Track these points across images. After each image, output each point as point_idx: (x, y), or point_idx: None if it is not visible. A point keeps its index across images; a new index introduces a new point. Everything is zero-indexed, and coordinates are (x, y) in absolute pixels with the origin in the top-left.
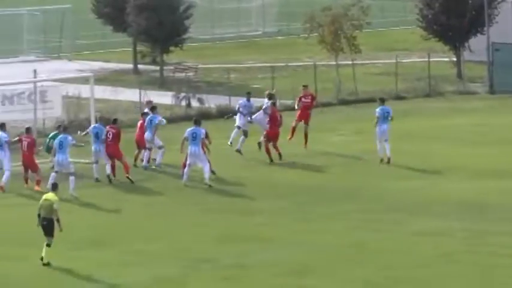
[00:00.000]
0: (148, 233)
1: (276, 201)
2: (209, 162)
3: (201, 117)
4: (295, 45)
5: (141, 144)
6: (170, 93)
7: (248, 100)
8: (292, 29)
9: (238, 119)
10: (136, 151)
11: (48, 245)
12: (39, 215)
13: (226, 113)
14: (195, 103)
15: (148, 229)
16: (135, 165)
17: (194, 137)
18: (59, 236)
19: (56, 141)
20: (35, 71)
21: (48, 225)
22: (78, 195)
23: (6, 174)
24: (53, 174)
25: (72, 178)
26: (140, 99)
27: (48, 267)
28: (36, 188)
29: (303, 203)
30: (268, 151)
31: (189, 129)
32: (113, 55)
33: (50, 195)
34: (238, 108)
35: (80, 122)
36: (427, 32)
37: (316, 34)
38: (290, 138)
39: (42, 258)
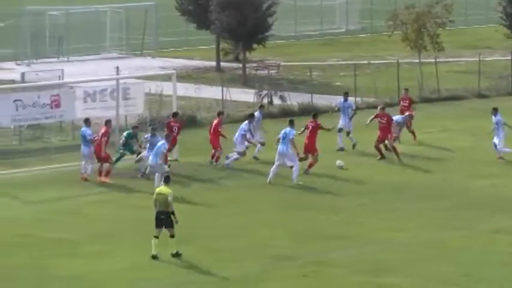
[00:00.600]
0: (229, 230)
1: (356, 198)
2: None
3: (282, 114)
4: (378, 43)
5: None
6: (252, 91)
7: (346, 100)
8: (376, 26)
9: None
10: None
11: (172, 236)
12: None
13: (309, 111)
14: (277, 100)
15: (229, 226)
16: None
17: (284, 137)
18: (142, 233)
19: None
20: (117, 68)
21: (166, 219)
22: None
23: (91, 166)
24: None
25: (157, 175)
26: (222, 96)
27: (174, 258)
28: (104, 179)
29: (383, 201)
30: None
31: (284, 130)
32: (195, 52)
33: (164, 189)
34: (338, 108)
35: (162, 120)
36: (510, 30)
37: (399, 32)
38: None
39: (156, 254)
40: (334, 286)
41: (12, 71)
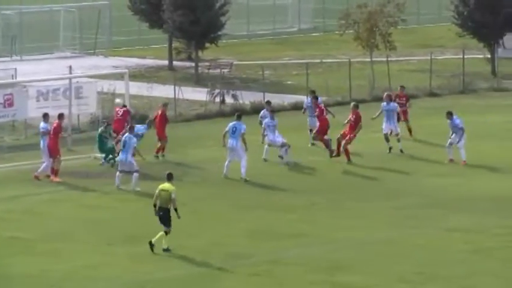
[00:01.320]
0: (182, 229)
1: (310, 197)
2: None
3: (235, 113)
4: (330, 42)
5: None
6: (205, 90)
7: (315, 98)
8: (328, 25)
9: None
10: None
11: (166, 233)
12: (155, 205)
13: (261, 110)
14: (229, 99)
15: (183, 225)
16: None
17: (234, 131)
18: (95, 232)
19: (123, 139)
20: (70, 67)
21: (164, 215)
22: (140, 189)
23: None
24: (118, 174)
25: (135, 175)
26: (175, 95)
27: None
28: (54, 178)
29: (337, 200)
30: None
31: (231, 123)
32: (148, 52)
33: (167, 186)
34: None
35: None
36: (462, 29)
37: (351, 31)
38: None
39: (165, 249)
40: (288, 284)
41: None
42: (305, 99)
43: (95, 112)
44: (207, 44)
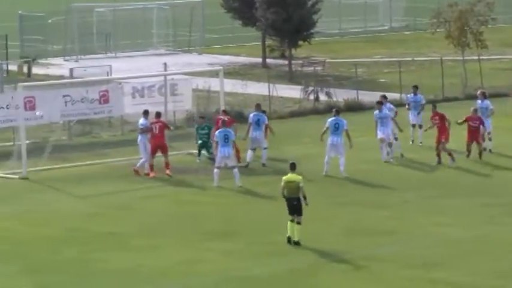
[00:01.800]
0: (276, 225)
1: (402, 194)
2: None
3: (329, 111)
4: (422, 40)
5: None
6: (298, 87)
7: (415, 94)
8: (419, 24)
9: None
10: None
11: (298, 223)
12: (284, 196)
13: (354, 107)
14: (323, 97)
15: (279, 221)
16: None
17: (336, 128)
18: (190, 227)
19: (220, 135)
20: (165, 64)
21: (297, 204)
22: (242, 184)
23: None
24: (216, 171)
25: (235, 171)
26: (269, 92)
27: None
28: (168, 172)
29: (431, 197)
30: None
31: (330, 119)
32: (242, 49)
33: (293, 176)
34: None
35: (209, 115)
36: None
37: (442, 29)
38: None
39: (289, 239)
40: (384, 280)
41: (60, 67)
42: (408, 95)
43: (190, 109)
44: (300, 42)
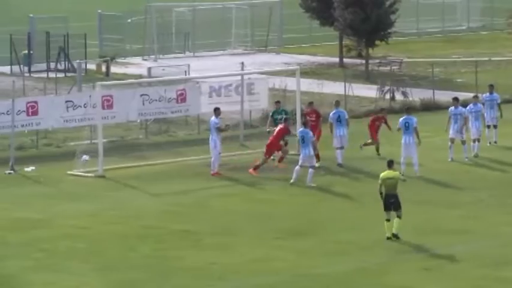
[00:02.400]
0: (348, 224)
1: (475, 193)
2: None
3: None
4: (498, 40)
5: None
6: (375, 87)
7: (491, 93)
8: (496, 24)
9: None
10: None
11: (399, 217)
12: (381, 193)
13: (430, 107)
14: (399, 96)
15: (349, 219)
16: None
17: (407, 127)
18: (263, 226)
19: (299, 135)
20: (242, 63)
21: (395, 201)
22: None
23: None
24: (297, 168)
25: (311, 171)
26: (345, 92)
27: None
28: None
29: (505, 196)
30: None
31: (401, 119)
32: (319, 49)
33: (392, 173)
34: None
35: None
36: None
37: None
38: None
39: (391, 236)
40: (455, 279)
41: (139, 66)
42: (483, 95)
43: (266, 108)
44: (377, 42)
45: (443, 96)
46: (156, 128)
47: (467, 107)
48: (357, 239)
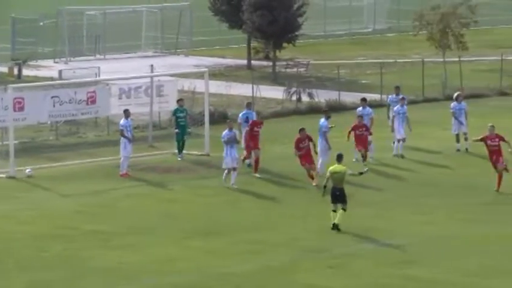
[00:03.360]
0: (256, 224)
1: (382, 193)
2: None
3: (310, 111)
4: (404, 42)
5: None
6: (282, 88)
7: (397, 94)
8: (402, 26)
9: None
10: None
11: (344, 209)
12: (325, 186)
13: (336, 108)
14: (305, 97)
15: (257, 220)
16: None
17: (319, 130)
18: (172, 226)
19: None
20: (151, 66)
21: (341, 194)
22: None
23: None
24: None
25: (235, 172)
26: (253, 93)
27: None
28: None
29: (409, 196)
30: None
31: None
32: (228, 51)
33: (339, 167)
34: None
35: (193, 116)
36: None
37: (424, 31)
38: None
39: (333, 225)
40: (360, 277)
41: (50, 68)
42: (389, 96)
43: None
44: (285, 44)
45: (349, 97)
46: (67, 129)
47: (395, 108)
48: (265, 239)
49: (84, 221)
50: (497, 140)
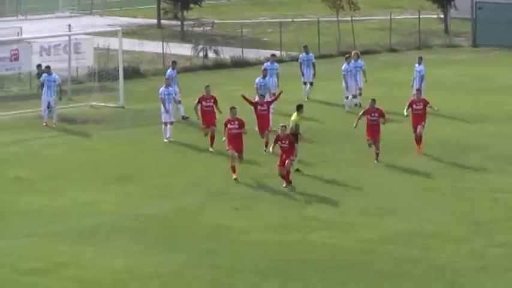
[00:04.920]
0: (169, 169)
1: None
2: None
3: (216, 66)
4: (301, 3)
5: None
6: (190, 46)
7: (307, 53)
8: None
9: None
10: None
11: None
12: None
13: (240, 63)
14: (211, 54)
15: (169, 165)
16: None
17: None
18: (91, 172)
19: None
20: (69, 25)
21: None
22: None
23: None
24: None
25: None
26: (163, 50)
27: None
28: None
29: (319, 143)
30: None
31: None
32: (139, 12)
33: (293, 116)
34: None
35: (108, 71)
36: None
37: None
38: None
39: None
40: (262, 218)
41: None
42: (301, 55)
43: (92, 65)
44: (192, 5)
45: (251, 53)
46: None
47: (346, 65)
48: (176, 183)
49: (8, 168)
50: (376, 114)
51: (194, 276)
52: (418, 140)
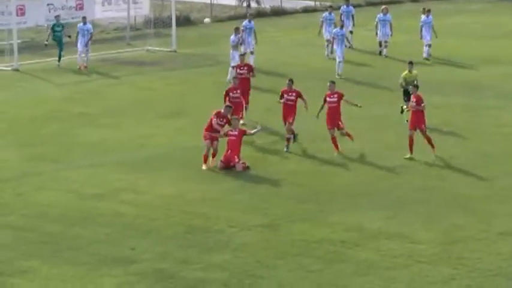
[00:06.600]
0: (215, 106)
1: None
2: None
3: (257, 15)
4: None
5: None
6: None
7: (347, 6)
8: None
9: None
10: None
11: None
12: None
13: (278, 12)
14: (254, 4)
15: (216, 102)
16: None
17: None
18: (147, 108)
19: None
20: None
21: None
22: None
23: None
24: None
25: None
26: (211, 1)
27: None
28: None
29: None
30: None
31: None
32: None
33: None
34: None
35: (162, 19)
36: None
37: None
38: None
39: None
40: (295, 152)
41: None
42: (342, 6)
43: (148, 14)
44: None
45: (289, 4)
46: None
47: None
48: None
49: (73, 105)
50: (336, 96)
51: (235, 200)
52: (428, 141)
